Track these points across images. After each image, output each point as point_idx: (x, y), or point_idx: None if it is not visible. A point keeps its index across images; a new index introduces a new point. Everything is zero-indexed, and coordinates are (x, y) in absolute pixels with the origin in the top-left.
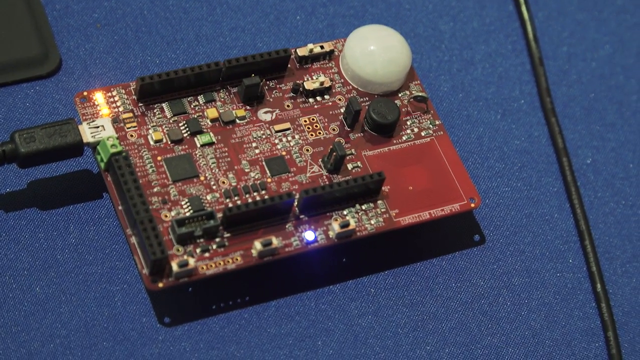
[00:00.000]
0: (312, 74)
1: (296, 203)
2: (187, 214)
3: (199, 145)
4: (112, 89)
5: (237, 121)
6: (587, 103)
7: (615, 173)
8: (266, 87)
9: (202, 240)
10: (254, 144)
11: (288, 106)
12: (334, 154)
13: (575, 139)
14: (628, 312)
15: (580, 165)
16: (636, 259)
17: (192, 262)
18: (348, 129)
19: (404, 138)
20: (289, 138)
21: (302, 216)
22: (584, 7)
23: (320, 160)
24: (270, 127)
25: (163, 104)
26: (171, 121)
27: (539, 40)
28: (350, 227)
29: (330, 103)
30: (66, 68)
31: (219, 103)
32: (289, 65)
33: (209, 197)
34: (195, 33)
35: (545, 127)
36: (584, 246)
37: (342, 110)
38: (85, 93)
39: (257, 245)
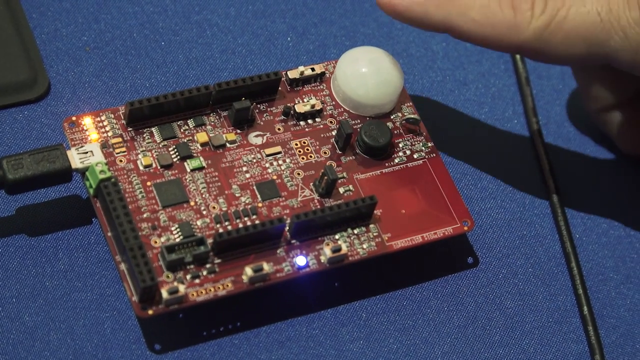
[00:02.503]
0: (303, 96)
1: (287, 228)
2: (177, 240)
3: (189, 170)
4: (101, 114)
5: (228, 145)
6: (581, 123)
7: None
8: (257, 111)
9: (192, 266)
10: (244, 168)
11: (279, 129)
12: (326, 177)
13: (568, 160)
14: (624, 334)
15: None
16: (630, 280)
17: (182, 288)
18: (340, 152)
19: (396, 161)
20: (280, 162)
21: (293, 241)
22: None
23: (311, 184)
24: (261, 150)
25: (152, 129)
26: (161, 146)
27: (525, 59)
28: (342, 252)
29: (321, 126)
30: (55, 92)
31: (209, 127)
32: (279, 88)
33: (199, 222)
34: (185, 56)
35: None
36: (570, 268)
37: (334, 133)
38: (74, 118)
39: (248, 271)
